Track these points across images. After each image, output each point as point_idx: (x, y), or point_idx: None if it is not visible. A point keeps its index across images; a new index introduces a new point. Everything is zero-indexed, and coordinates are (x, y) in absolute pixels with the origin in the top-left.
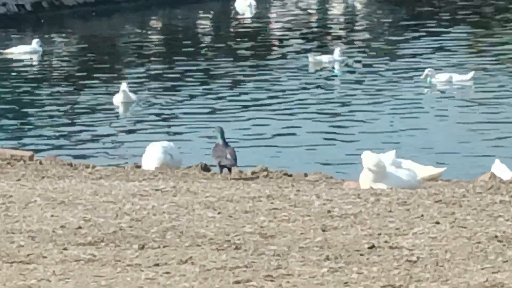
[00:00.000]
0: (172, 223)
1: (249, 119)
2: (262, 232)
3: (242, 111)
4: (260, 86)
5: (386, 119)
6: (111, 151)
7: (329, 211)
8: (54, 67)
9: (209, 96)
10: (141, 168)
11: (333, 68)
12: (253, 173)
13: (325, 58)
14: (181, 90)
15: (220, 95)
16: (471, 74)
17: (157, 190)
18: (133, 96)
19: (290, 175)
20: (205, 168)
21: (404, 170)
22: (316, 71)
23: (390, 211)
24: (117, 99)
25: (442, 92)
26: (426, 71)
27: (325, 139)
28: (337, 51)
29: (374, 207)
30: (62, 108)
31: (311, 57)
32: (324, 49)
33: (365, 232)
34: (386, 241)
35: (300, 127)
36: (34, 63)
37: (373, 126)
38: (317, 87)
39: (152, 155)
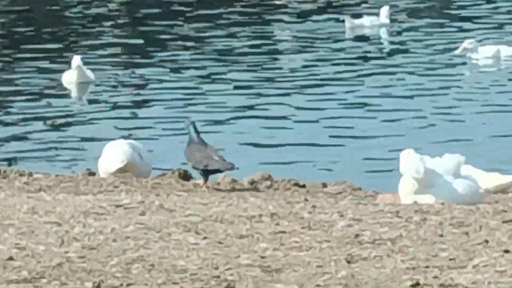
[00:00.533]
0: (139, 252)
1: (245, 107)
2: (264, 264)
3: (235, 96)
4: (262, 61)
5: (429, 108)
6: (55, 152)
7: (357, 236)
8: None
9: (192, 74)
10: (96, 176)
11: (379, 34)
12: (251, 182)
13: (366, 21)
14: (152, 67)
15: (205, 72)
16: None
17: (118, 206)
18: (90, 74)
19: (303, 186)
20: (185, 176)
21: (461, 178)
22: (354, 38)
23: (442, 235)
24: (68, 78)
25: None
26: (465, 43)
27: (349, 137)
28: (384, 11)
29: (419, 230)
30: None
31: (348, 21)
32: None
33: (406, 265)
34: (435, 277)
35: (315, 119)
36: None
37: (413, 117)
38: (351, 59)
39: (113, 153)
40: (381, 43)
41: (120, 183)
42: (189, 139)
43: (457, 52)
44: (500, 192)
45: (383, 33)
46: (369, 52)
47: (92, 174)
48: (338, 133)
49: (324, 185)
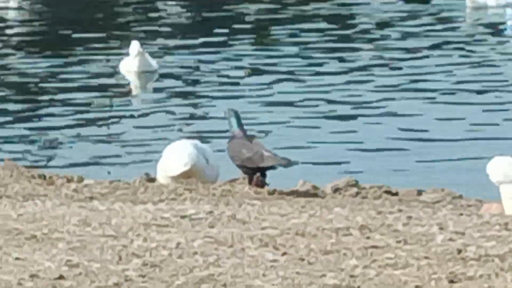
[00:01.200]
0: (209, 270)
1: (330, 107)
2: (354, 284)
3: (315, 94)
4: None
5: None
6: (109, 155)
7: (460, 251)
8: (25, 23)
9: (265, 68)
10: (155, 183)
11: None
12: (335, 189)
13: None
14: (220, 58)
15: (282, 63)
16: None
17: (183, 217)
18: (152, 62)
19: (395, 193)
20: (260, 183)
21: None
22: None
23: None
24: (128, 66)
25: None
26: None
27: (448, 140)
28: None
29: None
30: (30, 87)
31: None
32: None
33: None
34: None
35: (408, 119)
36: None
37: None
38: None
39: (176, 155)
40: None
41: (184, 190)
42: (237, 130)
43: None
44: None
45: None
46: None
47: (151, 180)
48: (435, 136)
49: (419, 193)
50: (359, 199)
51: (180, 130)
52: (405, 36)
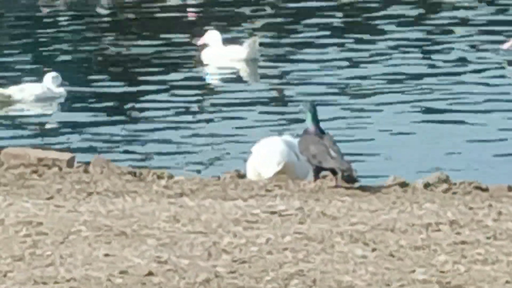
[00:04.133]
0: (298, 266)
1: (410, 100)
2: (444, 280)
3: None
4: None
5: None
6: (199, 151)
7: None
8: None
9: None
10: (246, 179)
11: None
12: (426, 185)
13: None
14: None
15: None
16: None
17: (273, 213)
18: (238, 49)
19: (485, 189)
20: (349, 178)
21: None
22: None
23: None
24: (211, 56)
25: None
26: None
27: None
28: None
29: None
30: (118, 79)
31: None
32: None
33: None
34: None
35: (497, 112)
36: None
37: None
38: None
39: (268, 153)
40: None
41: (274, 187)
42: (311, 126)
43: (505, 47)
44: None
45: None
46: None
47: (242, 176)
48: None
49: (510, 189)
50: (450, 195)
51: (271, 123)
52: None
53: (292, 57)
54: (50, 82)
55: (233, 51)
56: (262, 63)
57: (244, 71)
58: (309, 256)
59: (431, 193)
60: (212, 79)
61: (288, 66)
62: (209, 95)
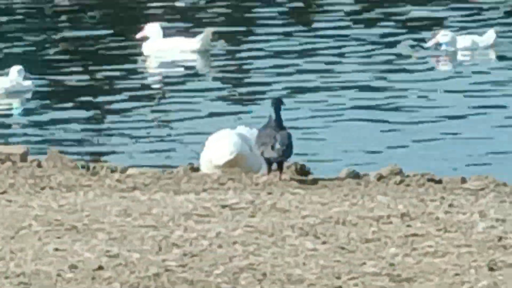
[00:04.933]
0: (248, 259)
1: (372, 96)
2: (393, 272)
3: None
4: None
5: None
6: (152, 145)
7: (500, 239)
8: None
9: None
10: (199, 172)
11: None
12: (379, 178)
13: None
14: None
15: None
16: (491, 35)
17: (224, 206)
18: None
19: (439, 181)
20: (302, 171)
21: None
22: None
23: None
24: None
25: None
26: (439, 35)
27: (493, 126)
28: None
29: None
30: (74, 72)
31: None
32: None
33: None
34: None
35: (454, 107)
36: None
37: None
38: None
39: (220, 144)
40: None
41: (228, 180)
42: (273, 119)
43: (428, 44)
44: None
45: None
46: None
47: (195, 169)
48: (478, 123)
49: (464, 180)
50: (403, 187)
51: (227, 116)
52: None
53: (246, 48)
54: (16, 75)
55: (186, 42)
56: (216, 55)
57: (197, 63)
58: (259, 250)
59: (384, 186)
60: (167, 72)
61: (242, 59)
62: (163, 88)
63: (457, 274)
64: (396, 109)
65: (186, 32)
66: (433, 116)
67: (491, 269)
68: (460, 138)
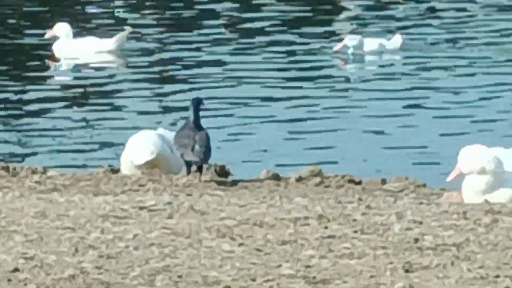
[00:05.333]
0: (165, 261)
1: (292, 96)
2: (309, 275)
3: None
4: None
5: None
6: (73, 146)
7: (416, 240)
8: None
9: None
10: (119, 174)
11: None
12: (298, 179)
13: None
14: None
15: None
16: (398, 39)
17: (142, 208)
18: (124, 42)
19: (359, 182)
20: (223, 173)
21: None
22: None
23: None
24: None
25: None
26: (346, 39)
27: (410, 127)
28: None
29: (489, 234)
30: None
31: None
32: None
33: (474, 274)
34: None
35: (371, 109)
36: None
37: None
38: None
39: (140, 144)
40: None
41: (148, 181)
42: (191, 119)
43: (336, 48)
44: None
45: None
46: None
47: (116, 171)
48: (397, 124)
49: (384, 182)
50: (322, 189)
51: (147, 117)
52: None
53: (166, 49)
54: None
55: (100, 43)
56: (133, 55)
57: (114, 64)
58: (176, 252)
59: (304, 187)
60: (84, 73)
61: (162, 60)
62: (82, 90)
63: (372, 276)
64: (319, 111)
65: (96, 33)
66: (358, 116)
67: (406, 271)
68: (382, 140)
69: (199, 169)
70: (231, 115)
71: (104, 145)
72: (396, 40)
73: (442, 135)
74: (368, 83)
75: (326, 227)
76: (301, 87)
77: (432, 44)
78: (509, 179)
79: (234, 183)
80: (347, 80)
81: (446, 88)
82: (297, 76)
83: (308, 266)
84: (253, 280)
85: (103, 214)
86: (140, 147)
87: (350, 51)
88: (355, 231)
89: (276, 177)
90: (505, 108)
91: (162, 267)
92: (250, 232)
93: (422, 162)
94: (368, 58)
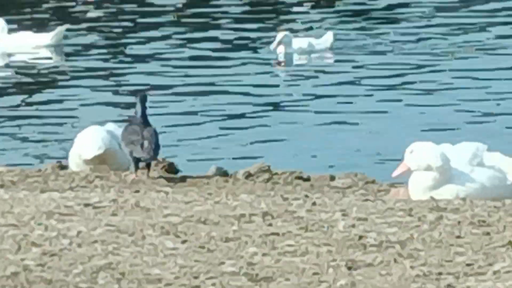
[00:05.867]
0: (107, 259)
1: (240, 92)
2: (252, 272)
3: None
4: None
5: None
6: (20, 142)
7: (360, 238)
8: None
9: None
10: (68, 170)
11: None
12: (247, 175)
13: None
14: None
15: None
16: (329, 37)
17: (87, 205)
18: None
19: (307, 179)
20: (171, 169)
21: (486, 168)
22: None
23: (459, 237)
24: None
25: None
26: (280, 36)
27: (361, 123)
28: None
29: (433, 231)
30: None
31: None
32: None
33: (416, 271)
34: (449, 285)
35: (322, 105)
36: None
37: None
38: None
39: (89, 140)
40: None
41: (95, 178)
42: (138, 115)
43: (272, 47)
44: None
45: None
46: None
47: (64, 167)
48: (349, 120)
49: (332, 178)
50: (270, 185)
51: (97, 113)
52: None
53: (107, 44)
54: None
55: (37, 37)
56: (69, 52)
57: (50, 59)
58: (119, 249)
59: (252, 184)
60: (25, 69)
61: (104, 54)
62: (27, 86)
63: (315, 274)
64: (273, 109)
65: (31, 28)
66: (307, 113)
67: (349, 268)
68: (332, 136)
69: (148, 165)
70: (179, 111)
71: (52, 141)
72: (327, 38)
73: (397, 130)
74: (307, 80)
75: (270, 224)
76: (251, 85)
77: (363, 44)
78: (456, 176)
79: (183, 179)
80: (277, 76)
81: (391, 85)
82: (239, 72)
83: (251, 264)
84: (196, 277)
85: (47, 211)
86: (89, 142)
87: (280, 49)
88: (299, 228)
89: (224, 174)
90: (452, 102)
91: (104, 265)
92: (194, 229)
93: (374, 158)
94: (296, 56)
